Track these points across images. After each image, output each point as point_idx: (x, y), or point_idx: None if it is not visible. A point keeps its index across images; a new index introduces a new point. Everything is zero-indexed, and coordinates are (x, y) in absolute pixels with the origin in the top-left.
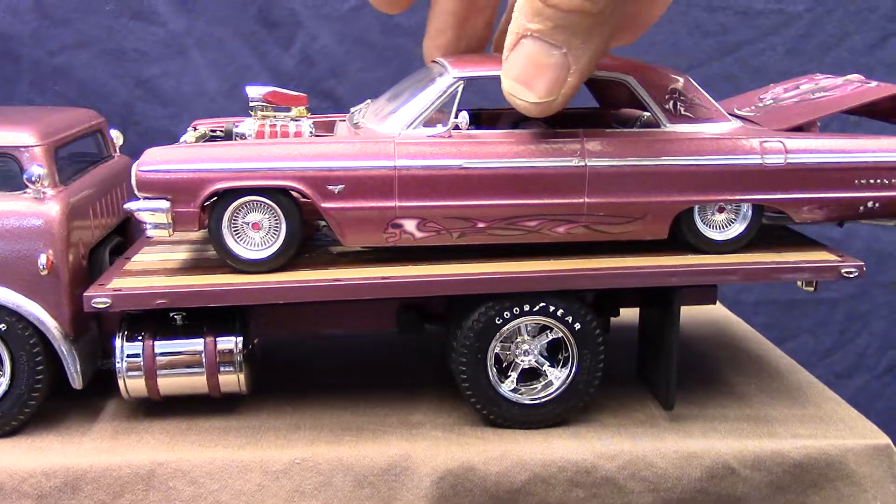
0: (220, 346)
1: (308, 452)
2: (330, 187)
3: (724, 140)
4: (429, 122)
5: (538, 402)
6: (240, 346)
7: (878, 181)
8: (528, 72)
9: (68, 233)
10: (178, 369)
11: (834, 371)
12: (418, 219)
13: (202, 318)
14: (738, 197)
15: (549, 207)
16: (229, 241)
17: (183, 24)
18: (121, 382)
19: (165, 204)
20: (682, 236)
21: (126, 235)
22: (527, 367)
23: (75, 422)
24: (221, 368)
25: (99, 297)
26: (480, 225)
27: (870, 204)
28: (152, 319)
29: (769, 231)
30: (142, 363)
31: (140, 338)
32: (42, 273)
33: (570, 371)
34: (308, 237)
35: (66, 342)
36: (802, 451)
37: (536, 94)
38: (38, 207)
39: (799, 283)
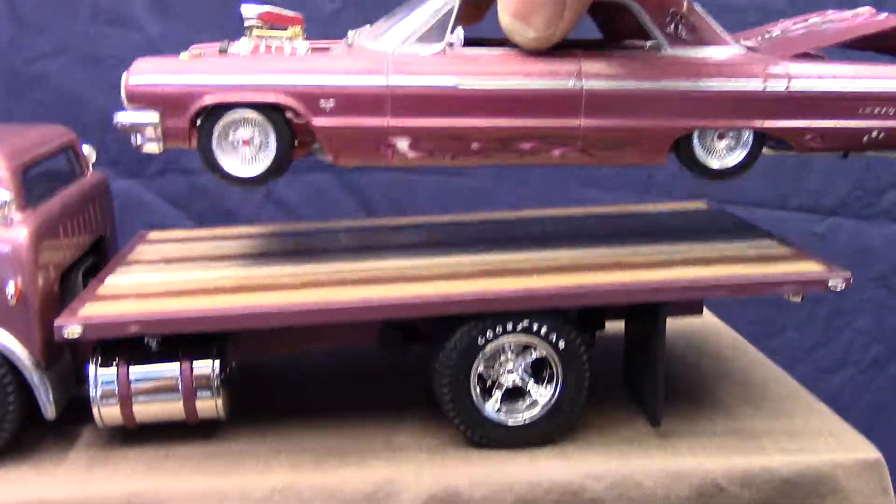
0: (196, 371)
1: (289, 479)
2: (321, 104)
3: (726, 65)
4: (423, 40)
5: (523, 422)
6: (217, 370)
7: (884, 111)
8: (525, 7)
9: (37, 258)
10: (154, 395)
11: (819, 366)
12: (411, 138)
13: (178, 341)
14: (738, 123)
15: (545, 130)
16: (220, 157)
17: (160, 30)
18: (95, 410)
19: (155, 116)
20: (682, 162)
21: (100, 254)
22: (510, 386)
23: (49, 451)
24: (198, 394)
25: (70, 326)
26: (474, 146)
27: (874, 134)
28: (126, 344)
29: (752, 232)
30: (116, 390)
31: (114, 364)
32: (10, 302)
33: (555, 390)
34: (301, 157)
35: (37, 371)
36: (792, 466)
37: (535, 30)
38: (4, 233)
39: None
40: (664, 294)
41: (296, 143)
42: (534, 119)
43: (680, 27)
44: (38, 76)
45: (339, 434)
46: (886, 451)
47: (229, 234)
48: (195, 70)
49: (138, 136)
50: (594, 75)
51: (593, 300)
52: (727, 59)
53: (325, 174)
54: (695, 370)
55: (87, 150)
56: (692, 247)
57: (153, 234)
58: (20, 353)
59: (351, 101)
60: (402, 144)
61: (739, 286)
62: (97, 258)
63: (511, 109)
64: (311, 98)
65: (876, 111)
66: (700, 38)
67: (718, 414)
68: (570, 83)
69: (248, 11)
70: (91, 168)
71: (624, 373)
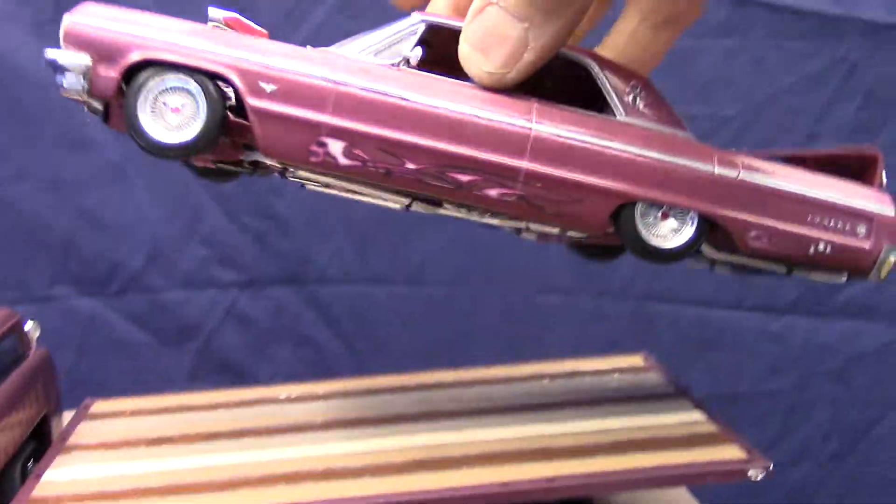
0: None
1: None
2: (262, 84)
3: (678, 140)
4: (381, 53)
5: None
6: None
7: (833, 223)
8: (487, 41)
9: None
10: None
11: (778, 460)
12: (346, 142)
13: None
14: (683, 202)
15: (485, 165)
16: (144, 118)
17: (121, 151)
18: None
19: (86, 59)
20: (621, 238)
21: (44, 433)
22: None
23: None
24: None
25: None
26: (410, 166)
27: (821, 246)
28: None
29: (681, 403)
30: None
31: None
32: None
33: None
34: (225, 162)
35: None
36: None
37: (491, 65)
38: None
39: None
40: (589, 490)
41: (226, 130)
42: (476, 150)
43: (639, 100)
44: (1, 201)
45: None
46: None
47: (171, 405)
48: (141, 22)
49: (65, 78)
50: (546, 119)
51: (518, 498)
52: (681, 138)
53: (286, 288)
54: None
55: (30, 327)
56: (621, 423)
57: (97, 407)
58: None
59: (294, 90)
60: (336, 147)
61: (662, 479)
62: (40, 440)
63: (454, 134)
64: (252, 76)
65: (826, 222)
66: (657, 116)
67: None
68: (521, 121)
69: (214, 14)
70: (35, 344)
71: None
